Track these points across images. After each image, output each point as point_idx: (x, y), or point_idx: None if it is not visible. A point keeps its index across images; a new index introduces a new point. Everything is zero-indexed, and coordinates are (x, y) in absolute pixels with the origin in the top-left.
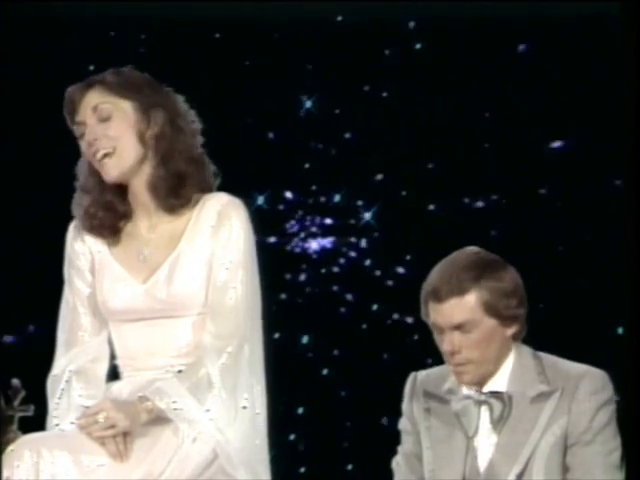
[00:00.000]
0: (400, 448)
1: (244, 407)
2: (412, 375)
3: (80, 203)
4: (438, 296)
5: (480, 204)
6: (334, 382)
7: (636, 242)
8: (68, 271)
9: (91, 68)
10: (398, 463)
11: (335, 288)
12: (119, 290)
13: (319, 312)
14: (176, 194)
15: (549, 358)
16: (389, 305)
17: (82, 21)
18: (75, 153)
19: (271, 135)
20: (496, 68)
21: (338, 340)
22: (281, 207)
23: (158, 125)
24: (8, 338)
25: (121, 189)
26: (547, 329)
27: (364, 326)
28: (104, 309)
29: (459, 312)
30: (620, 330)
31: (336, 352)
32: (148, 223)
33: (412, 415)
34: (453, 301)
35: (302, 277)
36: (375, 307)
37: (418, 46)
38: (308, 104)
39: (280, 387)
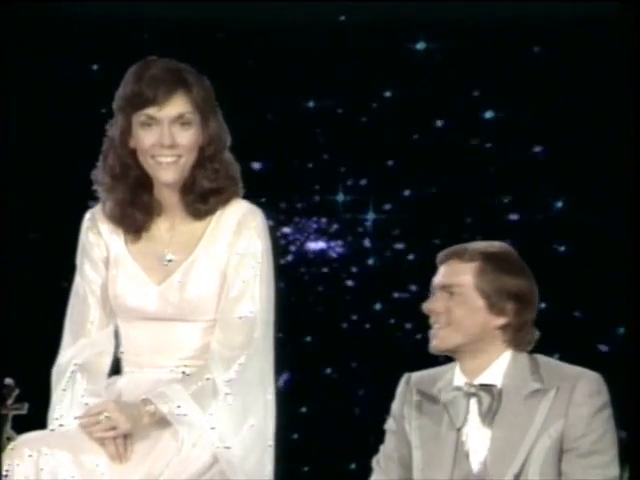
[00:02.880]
0: (382, 447)
1: (252, 425)
2: (406, 376)
3: (109, 190)
4: (443, 258)
5: (482, 205)
6: (337, 381)
7: (637, 242)
8: (81, 260)
9: (94, 68)
10: (378, 462)
11: (338, 288)
12: (133, 289)
13: (322, 311)
14: (205, 203)
15: (544, 359)
16: (392, 305)
17: (85, 21)
18: (76, 152)
19: (273, 135)
20: (497, 68)
21: (341, 339)
22: (283, 207)
23: (214, 145)
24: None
25: (147, 179)
26: (548, 329)
27: (367, 326)
28: (115, 305)
29: (453, 273)
30: (621, 330)
31: (339, 351)
32: (169, 224)
33: (401, 415)
34: (453, 262)
35: (305, 277)
36: (378, 307)
37: (420, 46)
38: (310, 103)
39: (283, 386)
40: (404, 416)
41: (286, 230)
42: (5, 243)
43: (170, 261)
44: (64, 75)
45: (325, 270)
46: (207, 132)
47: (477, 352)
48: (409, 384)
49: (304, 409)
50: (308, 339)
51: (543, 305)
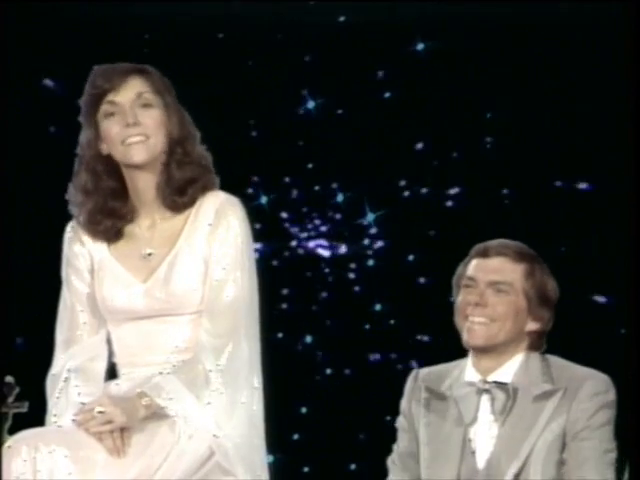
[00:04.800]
0: (395, 446)
1: (243, 402)
2: (414, 372)
3: (80, 205)
4: (487, 253)
5: (482, 205)
6: (337, 382)
7: (638, 242)
8: (66, 271)
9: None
10: (393, 462)
11: (338, 288)
12: (120, 290)
13: (322, 312)
14: (182, 194)
15: (556, 360)
16: (392, 305)
17: (86, 21)
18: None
19: (274, 135)
20: (497, 68)
21: (341, 340)
22: (284, 207)
23: (180, 130)
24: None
25: (121, 190)
26: (550, 329)
27: (367, 326)
28: (104, 308)
29: (503, 271)
30: (622, 330)
31: (339, 352)
32: (149, 222)
33: (410, 412)
34: (502, 259)
35: (306, 277)
36: (378, 307)
37: (420, 46)
38: (311, 104)
39: (283, 387)
40: (413, 414)
41: (286, 230)
42: (5, 243)
43: (150, 255)
44: (64, 75)
45: (326, 270)
46: (171, 117)
47: (499, 352)
48: (417, 381)
49: (304, 409)
50: (308, 339)
51: None
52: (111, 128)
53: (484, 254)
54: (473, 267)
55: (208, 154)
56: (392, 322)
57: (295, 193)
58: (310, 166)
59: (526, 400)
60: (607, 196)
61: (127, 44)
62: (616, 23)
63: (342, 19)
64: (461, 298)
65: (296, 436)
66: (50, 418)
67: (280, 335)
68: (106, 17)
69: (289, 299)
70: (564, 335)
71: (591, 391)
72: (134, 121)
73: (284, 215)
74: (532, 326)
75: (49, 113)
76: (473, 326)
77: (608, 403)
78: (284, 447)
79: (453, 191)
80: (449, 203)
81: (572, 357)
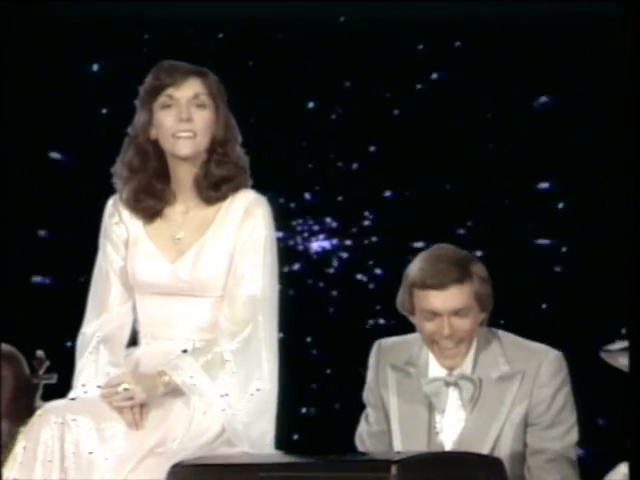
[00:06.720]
0: (363, 420)
1: (256, 385)
2: (376, 344)
3: (125, 181)
4: (441, 283)
5: (483, 205)
6: (337, 382)
7: (638, 241)
8: (103, 241)
9: (95, 68)
10: (362, 439)
11: (339, 289)
12: (149, 265)
13: (323, 312)
14: (217, 190)
15: (507, 337)
16: (392, 305)
17: (85, 21)
18: (77, 152)
19: (273, 136)
20: (497, 68)
21: (342, 340)
22: (284, 208)
23: (225, 132)
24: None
25: (165, 173)
26: (550, 329)
27: (368, 326)
28: (133, 280)
29: (460, 298)
30: (623, 330)
31: (340, 352)
32: (184, 208)
33: (378, 391)
34: (455, 288)
35: (307, 278)
36: (378, 307)
37: (420, 47)
38: (311, 104)
39: (283, 387)
40: (381, 394)
41: (286, 230)
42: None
43: (179, 239)
44: (64, 75)
45: (326, 270)
46: (220, 119)
47: (470, 346)
48: (379, 356)
49: (304, 409)
50: (308, 339)
51: (544, 306)
52: (165, 119)
53: (438, 286)
54: (432, 301)
55: (246, 157)
56: (392, 322)
57: (295, 192)
58: (310, 166)
59: (488, 385)
60: (608, 196)
61: (127, 44)
62: (616, 23)
63: (342, 19)
64: (427, 328)
65: (296, 436)
66: (78, 380)
67: (281, 335)
68: (106, 17)
69: (290, 299)
70: (564, 335)
71: (548, 373)
72: (187, 117)
73: (283, 216)
74: (483, 316)
75: (49, 113)
76: (446, 351)
77: (563, 381)
78: (284, 447)
79: (454, 191)
80: (450, 203)
81: (572, 358)
